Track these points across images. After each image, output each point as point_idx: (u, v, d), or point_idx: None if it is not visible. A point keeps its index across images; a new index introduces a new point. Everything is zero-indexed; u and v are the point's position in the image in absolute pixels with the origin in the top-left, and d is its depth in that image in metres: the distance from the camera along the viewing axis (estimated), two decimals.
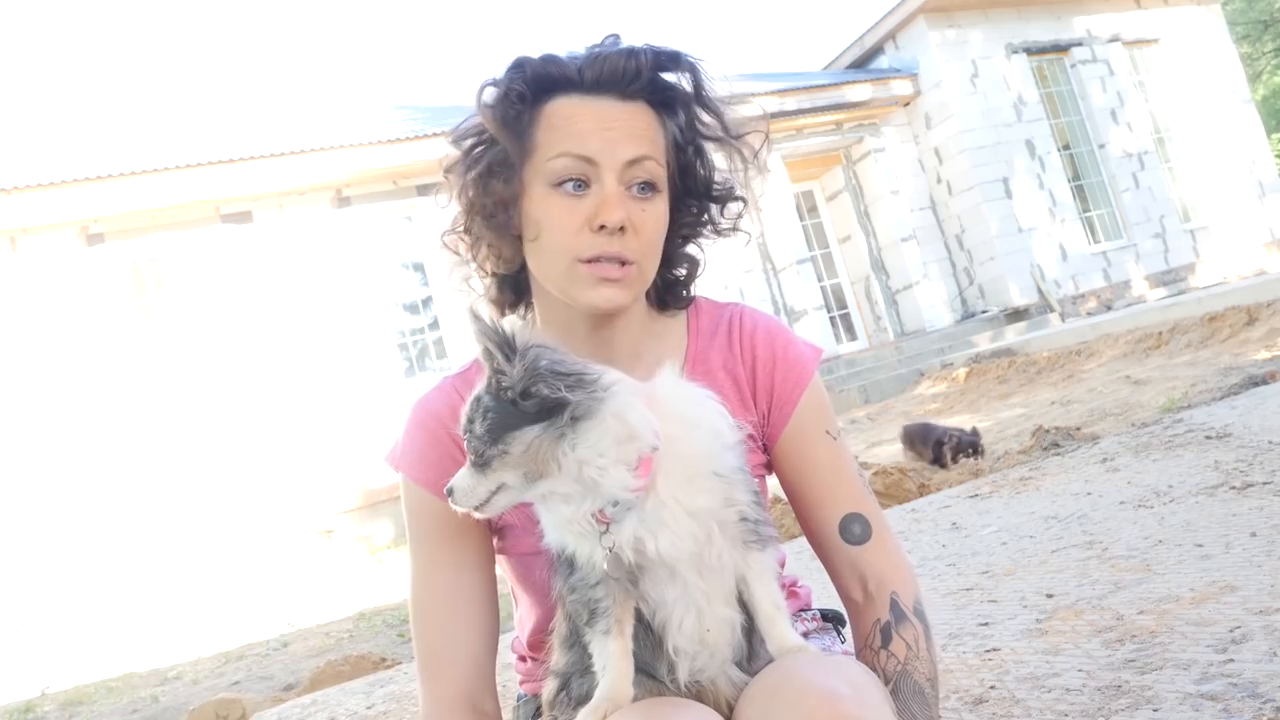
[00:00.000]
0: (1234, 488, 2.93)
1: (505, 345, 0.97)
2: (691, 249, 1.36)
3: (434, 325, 11.59)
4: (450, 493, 1.00)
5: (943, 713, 1.84)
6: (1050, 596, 2.40)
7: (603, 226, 1.16)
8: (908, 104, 14.41)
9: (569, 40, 1.27)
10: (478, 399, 0.99)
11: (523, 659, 1.39)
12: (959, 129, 13.78)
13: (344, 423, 10.27)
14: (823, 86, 13.87)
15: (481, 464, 0.97)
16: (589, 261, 1.17)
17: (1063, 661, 1.97)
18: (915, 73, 14.16)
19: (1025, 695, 1.85)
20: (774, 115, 13.25)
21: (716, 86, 1.27)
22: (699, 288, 1.41)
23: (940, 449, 5.80)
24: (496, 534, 1.30)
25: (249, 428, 10.05)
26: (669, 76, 1.24)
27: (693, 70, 1.25)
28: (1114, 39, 15.17)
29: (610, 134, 1.18)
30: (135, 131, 14.37)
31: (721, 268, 12.64)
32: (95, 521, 9.09)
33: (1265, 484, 2.89)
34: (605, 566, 0.99)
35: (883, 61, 14.90)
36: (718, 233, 1.35)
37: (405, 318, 11.50)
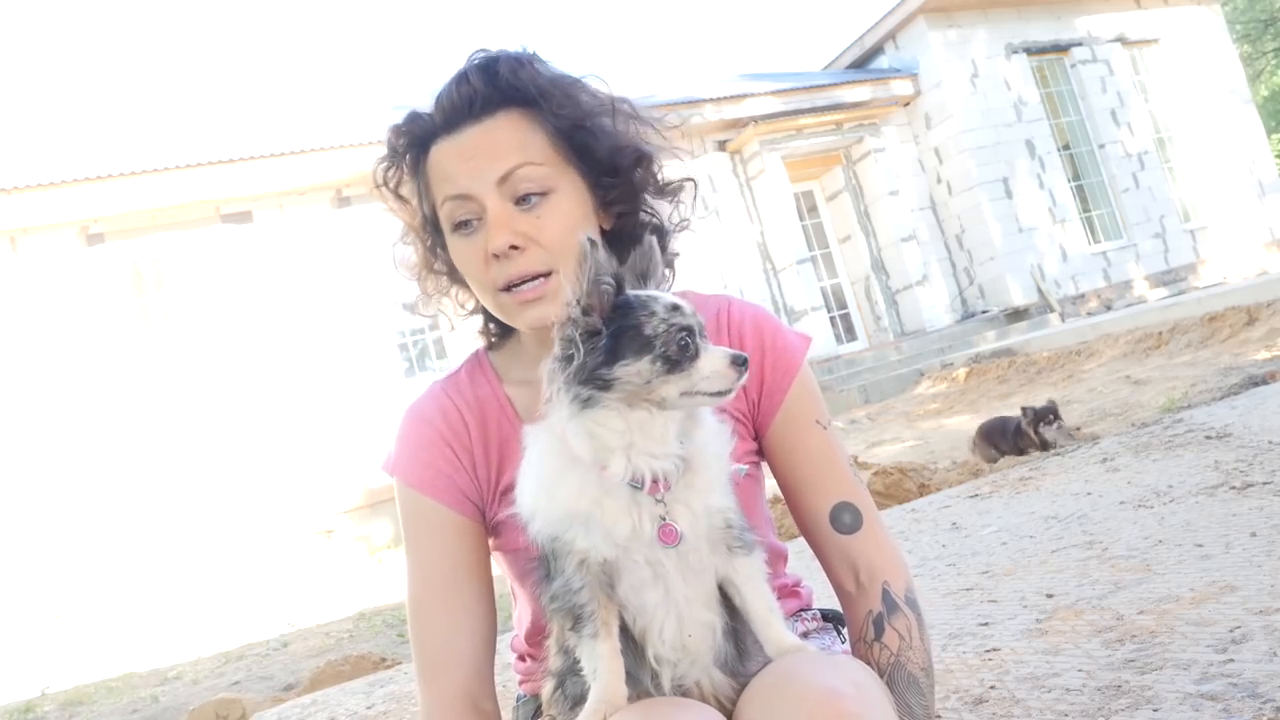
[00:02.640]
0: (1234, 488, 2.93)
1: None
2: (649, 218, 1.33)
3: (434, 325, 11.57)
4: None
5: (943, 713, 1.84)
6: (1050, 596, 2.40)
7: (496, 256, 1.19)
8: (908, 104, 14.41)
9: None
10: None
11: (521, 657, 1.39)
12: (959, 129, 13.78)
13: (344, 423, 10.27)
14: (823, 86, 13.87)
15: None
16: (505, 290, 1.21)
17: (1063, 661, 1.96)
18: (915, 73, 14.16)
19: (1025, 695, 1.85)
20: (774, 115, 13.26)
21: (554, 67, 1.27)
22: (699, 286, 1.41)
23: (1026, 434, 5.63)
24: (492, 532, 1.30)
25: (249, 428, 10.04)
26: (524, 76, 1.23)
27: (522, 63, 1.24)
28: (1114, 39, 15.17)
29: (473, 163, 1.21)
30: (135, 131, 14.35)
31: (721, 267, 12.65)
32: (95, 522, 9.09)
33: (1265, 484, 2.89)
34: (653, 533, 1.01)
35: (883, 61, 14.89)
36: (660, 192, 1.33)
37: (405, 318, 11.45)
